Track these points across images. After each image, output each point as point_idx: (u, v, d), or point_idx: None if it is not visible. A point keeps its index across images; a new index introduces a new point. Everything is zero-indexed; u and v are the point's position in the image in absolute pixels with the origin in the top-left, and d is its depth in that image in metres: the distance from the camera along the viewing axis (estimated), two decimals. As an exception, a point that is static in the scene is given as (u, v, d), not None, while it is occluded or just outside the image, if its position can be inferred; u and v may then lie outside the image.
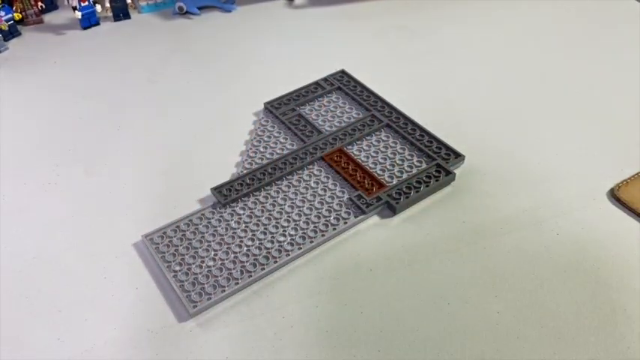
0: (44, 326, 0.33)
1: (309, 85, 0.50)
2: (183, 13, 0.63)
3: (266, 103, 0.48)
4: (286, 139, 0.45)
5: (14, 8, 0.61)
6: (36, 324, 0.34)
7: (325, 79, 0.50)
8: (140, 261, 0.37)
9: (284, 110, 0.47)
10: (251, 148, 0.44)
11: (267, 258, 0.36)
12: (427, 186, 0.40)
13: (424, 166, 0.42)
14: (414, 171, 0.41)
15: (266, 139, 0.45)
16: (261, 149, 0.44)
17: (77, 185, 0.43)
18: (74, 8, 0.60)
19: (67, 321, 0.34)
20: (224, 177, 0.42)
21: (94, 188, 0.42)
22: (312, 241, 0.37)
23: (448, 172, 0.41)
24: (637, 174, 0.41)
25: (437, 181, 0.40)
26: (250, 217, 0.39)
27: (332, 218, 0.38)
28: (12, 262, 0.37)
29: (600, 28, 0.59)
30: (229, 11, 0.63)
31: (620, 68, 0.52)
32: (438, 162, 0.41)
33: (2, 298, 0.35)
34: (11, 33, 0.60)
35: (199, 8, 0.63)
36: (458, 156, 0.42)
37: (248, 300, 0.34)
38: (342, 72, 0.51)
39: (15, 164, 0.45)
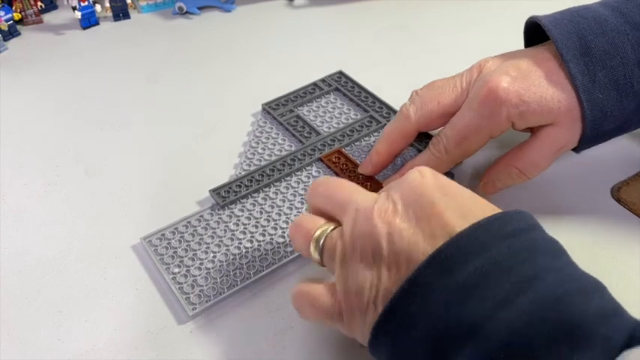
0: (44, 327, 0.34)
1: (307, 86, 0.50)
2: (183, 13, 0.63)
3: (264, 104, 0.48)
4: (284, 140, 0.45)
5: (14, 8, 0.61)
6: (36, 324, 0.34)
7: (323, 80, 0.50)
8: (139, 263, 0.37)
9: (282, 111, 0.47)
10: (249, 150, 0.44)
11: (266, 259, 0.36)
12: None
13: None
14: None
15: (264, 140, 0.45)
16: (260, 150, 0.44)
17: (77, 186, 0.43)
18: (74, 8, 0.60)
19: (67, 322, 0.34)
20: (222, 178, 0.42)
21: (93, 189, 0.43)
22: (310, 243, 0.37)
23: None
24: (637, 174, 0.41)
25: None
26: (249, 218, 0.39)
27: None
28: (11, 263, 0.37)
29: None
30: (229, 11, 0.63)
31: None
32: None
33: (2, 299, 0.35)
34: (11, 33, 0.60)
35: (199, 8, 0.63)
36: None
37: (248, 301, 0.35)
38: (340, 73, 0.51)
39: (15, 164, 0.45)
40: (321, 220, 0.29)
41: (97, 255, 0.38)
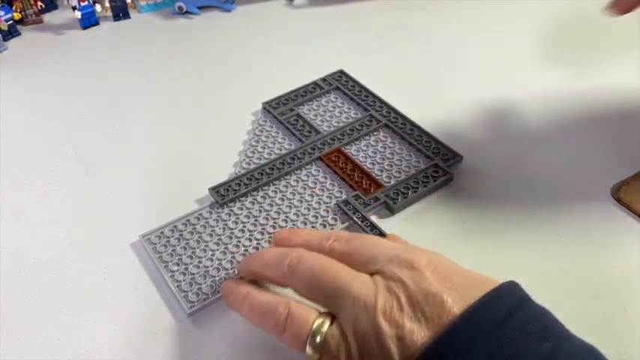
0: (44, 327, 0.34)
1: (308, 84, 0.50)
2: (183, 12, 0.63)
3: (264, 103, 0.48)
4: (284, 139, 0.45)
5: (14, 8, 0.61)
6: (36, 324, 0.34)
7: (324, 79, 0.50)
8: (139, 262, 0.37)
9: (282, 110, 0.47)
10: (249, 148, 0.44)
11: None
12: (425, 186, 0.40)
13: (422, 166, 0.42)
14: (412, 171, 0.41)
15: (264, 139, 0.45)
16: (259, 149, 0.44)
17: (77, 185, 0.43)
18: (74, 8, 0.60)
19: (67, 321, 0.34)
20: (223, 177, 0.42)
21: (93, 188, 0.43)
22: (310, 242, 0.37)
23: (446, 173, 0.40)
24: (637, 174, 0.41)
25: (435, 181, 0.40)
26: (248, 217, 0.39)
27: (329, 218, 0.38)
28: (11, 263, 0.37)
29: (599, 27, 0.58)
30: (229, 11, 0.63)
31: (619, 68, 0.52)
32: (436, 162, 0.41)
33: (2, 299, 0.35)
34: (11, 33, 0.60)
35: (199, 8, 0.63)
36: (456, 156, 0.42)
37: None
38: (341, 72, 0.51)
39: (15, 164, 0.45)
40: (314, 312, 0.27)
41: (96, 255, 0.38)
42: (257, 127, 0.46)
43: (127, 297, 0.35)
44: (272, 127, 0.46)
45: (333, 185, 0.41)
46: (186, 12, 0.63)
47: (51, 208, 0.41)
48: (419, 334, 0.24)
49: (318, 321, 0.26)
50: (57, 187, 0.43)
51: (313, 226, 0.38)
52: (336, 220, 0.38)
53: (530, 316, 0.24)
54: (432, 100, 0.49)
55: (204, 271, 0.35)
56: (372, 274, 0.27)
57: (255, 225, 0.38)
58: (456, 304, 0.24)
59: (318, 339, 0.26)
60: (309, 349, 0.26)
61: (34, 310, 0.35)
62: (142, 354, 0.32)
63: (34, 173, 0.44)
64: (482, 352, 0.23)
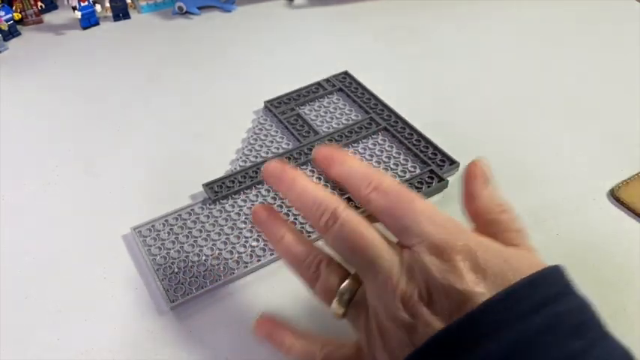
0: (44, 326, 0.34)
1: (311, 85, 0.50)
2: (183, 13, 0.63)
3: (266, 102, 0.48)
4: (283, 138, 0.45)
5: (14, 8, 0.61)
6: (35, 324, 0.34)
7: (327, 80, 0.50)
8: (140, 260, 0.37)
9: (283, 109, 0.47)
10: (247, 146, 0.44)
11: (251, 256, 0.36)
12: (418, 192, 0.39)
13: (418, 171, 0.41)
14: (407, 176, 0.41)
15: (262, 137, 0.45)
16: (257, 147, 0.44)
17: (77, 185, 0.43)
18: (74, 8, 0.60)
19: (67, 321, 0.34)
20: (220, 174, 0.42)
21: (94, 188, 0.43)
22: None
23: (441, 179, 0.40)
24: (637, 174, 0.41)
25: (428, 187, 0.40)
26: (239, 214, 0.39)
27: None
28: (11, 263, 0.37)
29: (600, 28, 0.58)
30: (229, 11, 0.63)
31: (619, 68, 0.52)
32: (431, 168, 0.41)
33: (1, 299, 0.35)
34: (11, 33, 0.60)
35: (199, 8, 0.63)
36: (453, 163, 0.41)
37: (248, 300, 0.35)
38: (345, 73, 0.51)
39: (15, 164, 0.45)
40: (347, 272, 0.27)
41: (96, 254, 0.38)
42: (257, 126, 0.46)
43: (127, 297, 0.35)
44: (272, 125, 0.46)
45: (326, 187, 0.40)
46: (186, 12, 0.63)
47: (51, 208, 0.41)
48: (434, 327, 0.23)
49: (349, 281, 0.26)
50: (57, 187, 0.43)
51: (303, 227, 0.38)
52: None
53: (569, 309, 0.22)
54: (434, 103, 0.49)
55: (190, 267, 0.35)
56: (403, 247, 0.26)
57: (245, 223, 0.38)
58: (485, 294, 0.22)
59: (345, 296, 0.26)
60: (334, 304, 0.26)
61: (34, 310, 0.34)
62: (142, 354, 0.32)
63: (34, 173, 0.44)
64: (501, 343, 0.21)
